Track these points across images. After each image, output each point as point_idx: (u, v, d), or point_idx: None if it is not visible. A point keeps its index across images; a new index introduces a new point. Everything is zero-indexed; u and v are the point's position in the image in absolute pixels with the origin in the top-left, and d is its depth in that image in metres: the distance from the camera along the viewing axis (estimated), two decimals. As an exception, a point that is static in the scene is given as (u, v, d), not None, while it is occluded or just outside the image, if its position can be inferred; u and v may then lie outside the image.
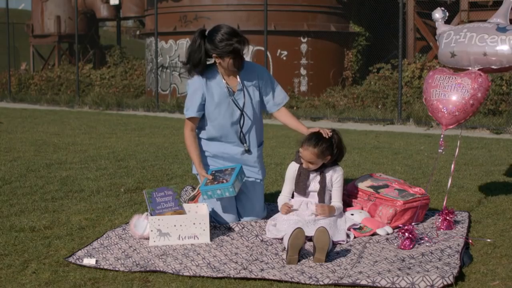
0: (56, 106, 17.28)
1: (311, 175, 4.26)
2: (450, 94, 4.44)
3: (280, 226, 4.13)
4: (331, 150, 4.21)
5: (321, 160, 4.19)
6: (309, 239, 3.91)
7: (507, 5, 4.54)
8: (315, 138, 4.18)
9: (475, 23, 4.65)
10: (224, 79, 4.46)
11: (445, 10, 4.72)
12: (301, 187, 4.24)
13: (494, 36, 4.37)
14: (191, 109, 4.44)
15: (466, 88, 4.40)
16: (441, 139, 4.48)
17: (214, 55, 4.35)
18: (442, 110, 4.45)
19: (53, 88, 20.12)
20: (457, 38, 4.52)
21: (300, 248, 3.64)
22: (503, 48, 4.33)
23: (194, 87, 4.44)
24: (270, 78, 4.62)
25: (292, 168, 4.31)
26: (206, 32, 4.40)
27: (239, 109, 4.46)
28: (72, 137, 9.49)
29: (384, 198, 4.35)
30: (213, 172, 4.42)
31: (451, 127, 4.50)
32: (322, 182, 4.23)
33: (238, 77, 4.48)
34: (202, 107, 4.44)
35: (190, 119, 4.46)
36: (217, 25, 4.43)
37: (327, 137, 4.23)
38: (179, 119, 13.20)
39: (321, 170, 4.25)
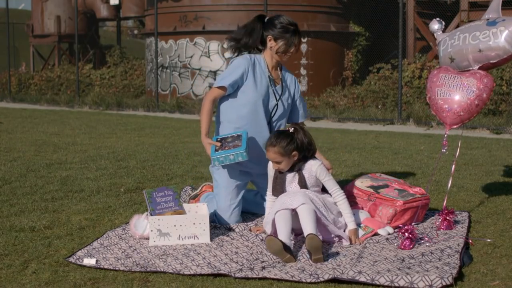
0: (56, 106, 17.28)
1: (288, 178, 4.13)
2: (455, 93, 4.44)
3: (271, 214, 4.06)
4: (294, 145, 4.04)
5: (287, 158, 4.05)
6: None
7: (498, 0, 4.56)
8: (274, 136, 4.09)
9: (467, 24, 4.69)
10: (268, 70, 4.49)
11: (441, 20, 4.77)
12: (278, 191, 4.16)
13: (485, 31, 4.39)
14: (226, 79, 4.38)
15: (471, 88, 4.40)
16: (445, 139, 4.47)
17: (269, 36, 4.39)
18: (447, 109, 4.44)
19: (53, 88, 20.13)
20: (452, 43, 4.57)
21: (281, 249, 3.62)
22: (497, 40, 4.34)
23: (238, 64, 4.42)
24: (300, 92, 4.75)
25: (270, 166, 4.24)
26: (266, 19, 4.47)
27: (275, 99, 4.48)
28: (72, 137, 9.49)
29: (384, 198, 4.34)
30: (219, 139, 4.36)
31: (455, 126, 4.49)
32: (301, 181, 4.09)
33: (280, 72, 4.55)
34: (236, 84, 4.41)
35: (220, 88, 4.38)
36: (279, 14, 4.54)
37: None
38: (179, 119, 13.21)
39: (297, 169, 4.11)
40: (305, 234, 3.73)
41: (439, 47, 4.72)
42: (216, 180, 4.51)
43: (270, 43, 4.41)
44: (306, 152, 4.11)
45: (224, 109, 4.49)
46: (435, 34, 4.80)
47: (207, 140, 4.31)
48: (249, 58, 4.43)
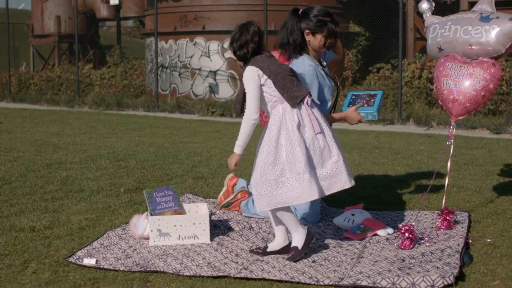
0: (56, 106, 17.27)
1: None
2: (461, 84, 4.31)
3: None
4: None
5: None
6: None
7: None
8: None
9: (459, 13, 4.52)
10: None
11: (431, 1, 4.65)
12: None
13: (478, 27, 4.26)
14: (314, 94, 4.21)
15: (478, 78, 4.27)
16: (450, 131, 4.39)
17: (306, 31, 4.27)
18: (453, 100, 4.36)
19: (53, 88, 20.12)
20: (442, 32, 4.43)
21: None
22: (488, 38, 4.23)
23: (311, 75, 4.25)
24: None
25: None
26: (300, 11, 4.31)
27: (337, 88, 4.53)
28: (72, 137, 9.49)
29: None
30: (354, 95, 4.34)
31: (461, 117, 4.41)
32: None
33: (323, 61, 4.50)
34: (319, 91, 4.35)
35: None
36: (311, 5, 4.40)
37: None
38: (179, 119, 13.20)
39: None
40: None
41: (428, 33, 4.56)
42: None
43: (308, 37, 4.30)
44: None
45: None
46: (424, 15, 4.64)
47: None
48: (310, 61, 4.29)
